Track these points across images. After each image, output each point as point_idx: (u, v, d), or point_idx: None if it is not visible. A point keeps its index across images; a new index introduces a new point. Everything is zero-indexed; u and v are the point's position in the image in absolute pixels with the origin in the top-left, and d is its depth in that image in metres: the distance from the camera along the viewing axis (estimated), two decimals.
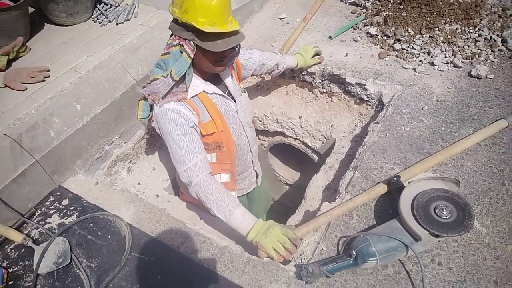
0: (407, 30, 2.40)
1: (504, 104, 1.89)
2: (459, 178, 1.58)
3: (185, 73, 1.38)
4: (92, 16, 2.55)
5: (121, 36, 2.36)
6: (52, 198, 1.75)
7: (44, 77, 1.99)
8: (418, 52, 2.28)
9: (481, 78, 2.06)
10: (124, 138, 2.07)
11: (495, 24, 2.36)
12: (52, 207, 1.71)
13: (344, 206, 1.51)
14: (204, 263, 1.43)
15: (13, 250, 1.54)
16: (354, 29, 2.62)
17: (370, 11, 2.71)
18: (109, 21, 2.51)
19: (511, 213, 1.45)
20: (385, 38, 2.45)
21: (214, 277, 1.38)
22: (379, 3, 2.75)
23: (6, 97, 1.87)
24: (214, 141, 1.60)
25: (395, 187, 1.50)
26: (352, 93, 2.23)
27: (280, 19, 2.85)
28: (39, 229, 1.61)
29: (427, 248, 1.36)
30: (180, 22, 1.32)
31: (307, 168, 3.02)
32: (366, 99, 2.17)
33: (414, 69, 2.18)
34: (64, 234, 1.58)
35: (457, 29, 2.34)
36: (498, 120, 1.77)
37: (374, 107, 2.18)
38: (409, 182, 1.55)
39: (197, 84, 1.49)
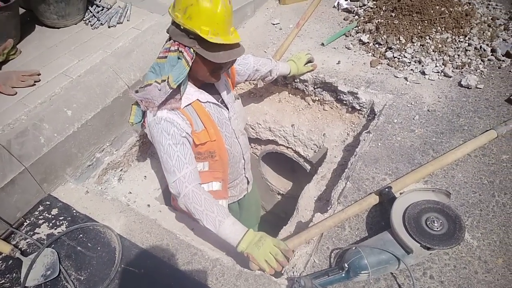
0: (399, 38, 2.42)
1: (494, 115, 1.91)
2: (449, 189, 1.59)
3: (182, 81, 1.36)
4: (84, 19, 2.52)
5: (113, 40, 2.34)
6: (41, 207, 1.71)
7: (35, 81, 1.96)
8: (409, 61, 2.29)
9: (471, 88, 2.08)
10: (115, 146, 2.04)
11: (485, 34, 2.39)
12: (41, 216, 1.67)
13: (336, 217, 1.51)
14: (195, 276, 1.41)
15: (0, 261, 1.50)
16: (346, 36, 2.63)
17: (362, 18, 2.72)
18: (101, 23, 2.48)
19: (501, 225, 1.47)
20: (377, 46, 2.46)
21: None
22: (371, 10, 2.76)
23: None
24: (206, 150, 1.59)
25: (386, 198, 1.50)
26: (344, 102, 2.23)
27: (273, 24, 2.85)
28: (27, 240, 1.58)
29: (419, 261, 1.37)
30: (182, 28, 1.28)
31: (299, 178, 3.01)
32: (358, 108, 2.18)
33: (406, 78, 2.20)
34: (53, 245, 1.55)
35: (447, 38, 2.36)
36: (488, 130, 1.79)
37: (365, 116, 2.19)
38: (400, 193, 1.56)
39: (191, 92, 1.47)
